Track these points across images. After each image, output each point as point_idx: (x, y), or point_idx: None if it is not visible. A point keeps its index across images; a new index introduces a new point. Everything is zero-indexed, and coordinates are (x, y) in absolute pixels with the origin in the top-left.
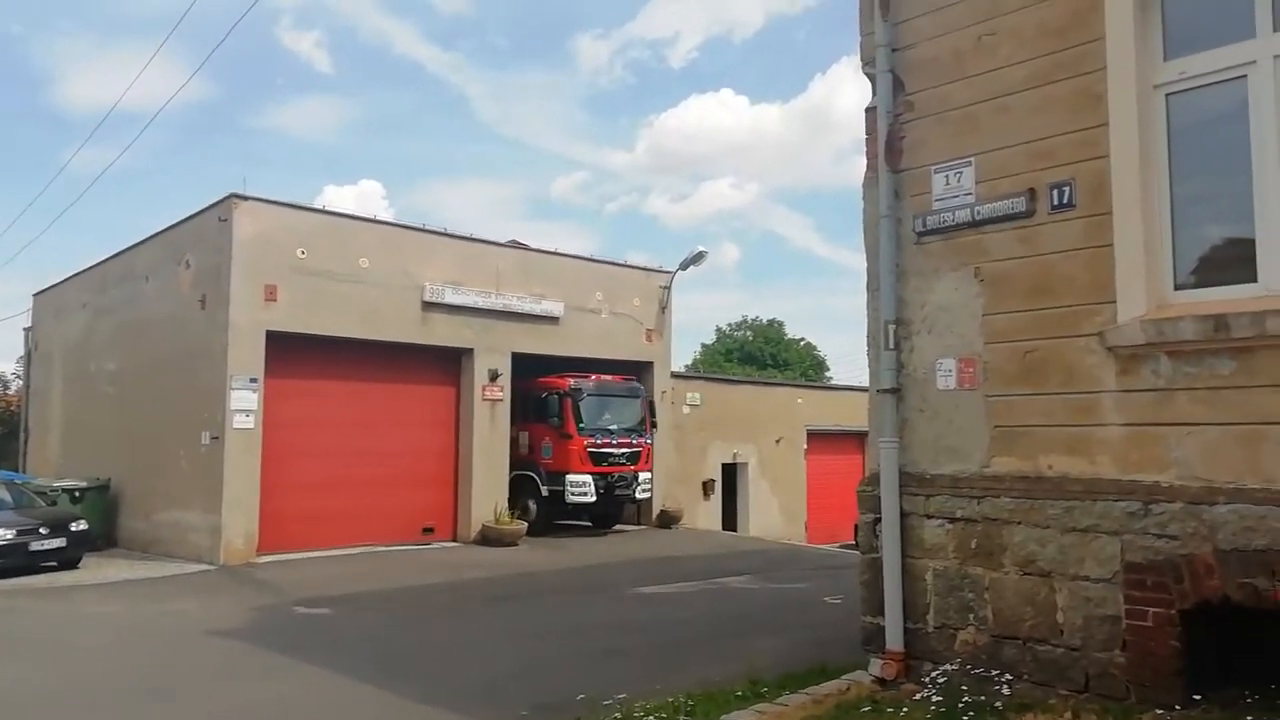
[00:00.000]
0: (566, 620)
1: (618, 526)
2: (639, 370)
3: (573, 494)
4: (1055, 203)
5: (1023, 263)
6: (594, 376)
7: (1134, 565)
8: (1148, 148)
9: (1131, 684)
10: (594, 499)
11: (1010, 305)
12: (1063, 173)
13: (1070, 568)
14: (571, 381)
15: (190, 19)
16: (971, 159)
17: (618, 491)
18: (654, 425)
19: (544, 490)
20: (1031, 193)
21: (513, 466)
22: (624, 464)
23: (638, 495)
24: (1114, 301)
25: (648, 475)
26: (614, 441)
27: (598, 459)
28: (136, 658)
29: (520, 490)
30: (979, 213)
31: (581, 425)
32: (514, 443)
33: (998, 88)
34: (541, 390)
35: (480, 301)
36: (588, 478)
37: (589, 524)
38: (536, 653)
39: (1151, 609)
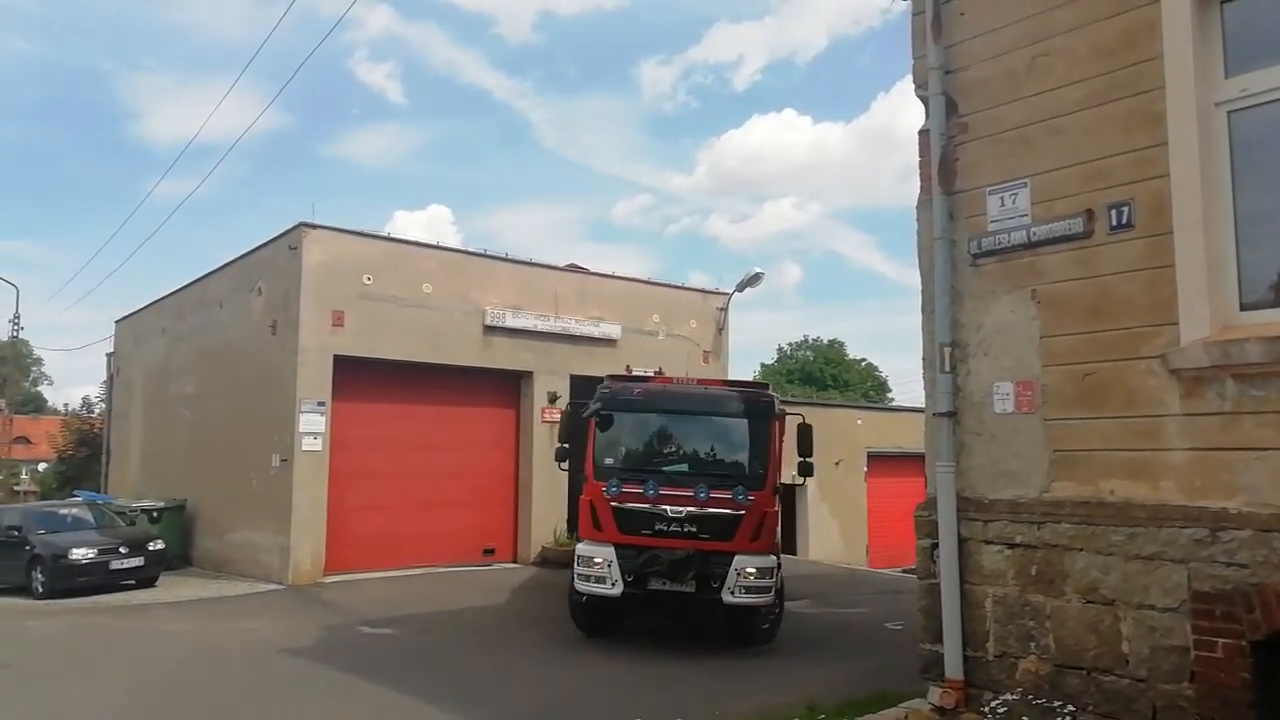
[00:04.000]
0: (624, 643)
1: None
2: None
3: (580, 576)
4: (1114, 223)
5: (1080, 284)
6: (657, 376)
7: (1202, 594)
8: (1209, 166)
9: (1200, 717)
10: (617, 591)
11: (1068, 327)
12: (1121, 193)
13: (1135, 596)
14: (605, 385)
15: (273, 56)
16: (1026, 180)
17: (671, 583)
18: (807, 467)
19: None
20: (1089, 213)
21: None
22: (690, 537)
23: (729, 599)
24: (1176, 323)
25: (763, 562)
26: (659, 493)
27: (630, 522)
28: (208, 675)
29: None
30: (1035, 234)
31: (606, 461)
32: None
33: (1052, 108)
34: (576, 400)
35: (539, 325)
36: (606, 552)
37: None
38: (594, 675)
39: (1221, 640)
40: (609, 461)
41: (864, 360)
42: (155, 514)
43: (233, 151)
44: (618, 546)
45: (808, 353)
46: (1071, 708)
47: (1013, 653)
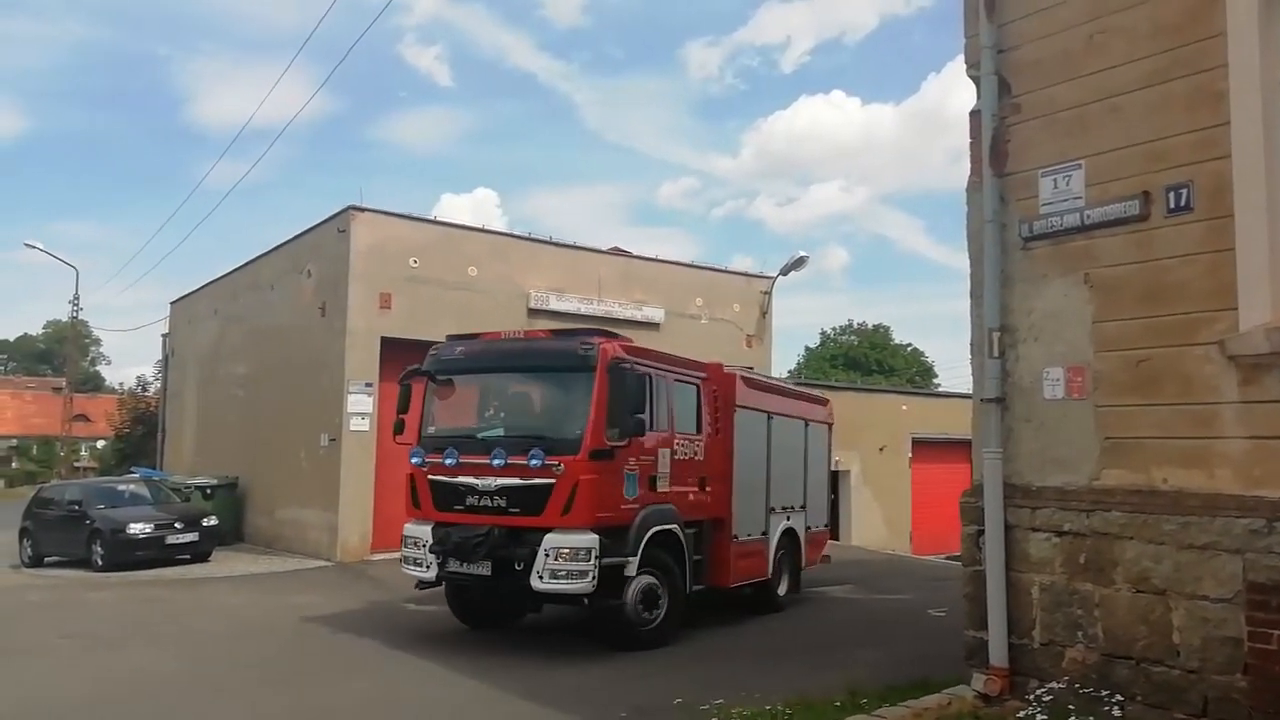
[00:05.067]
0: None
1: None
2: None
3: (402, 558)
4: (1172, 206)
5: (1136, 268)
6: (484, 336)
7: (1258, 585)
8: (1274, 146)
9: (1254, 710)
10: (432, 575)
11: (1122, 312)
12: (1180, 174)
13: (1187, 586)
14: (435, 347)
15: (322, 39)
16: (1081, 162)
17: (466, 565)
18: (637, 423)
19: None
20: (1146, 195)
21: None
22: (498, 512)
23: (538, 585)
24: (1235, 308)
25: (577, 540)
26: (460, 463)
27: (443, 497)
28: (261, 647)
29: None
30: (1089, 217)
31: (429, 429)
32: None
33: (1109, 88)
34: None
35: (583, 308)
36: (424, 531)
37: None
38: (633, 655)
39: (1277, 632)
40: (431, 430)
41: (909, 345)
42: (209, 491)
43: (282, 135)
44: (435, 525)
45: (852, 337)
46: (1119, 698)
47: (1059, 641)
